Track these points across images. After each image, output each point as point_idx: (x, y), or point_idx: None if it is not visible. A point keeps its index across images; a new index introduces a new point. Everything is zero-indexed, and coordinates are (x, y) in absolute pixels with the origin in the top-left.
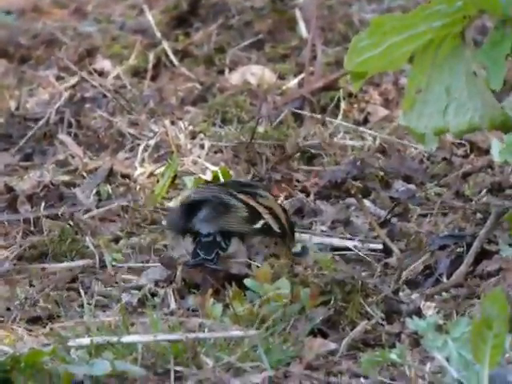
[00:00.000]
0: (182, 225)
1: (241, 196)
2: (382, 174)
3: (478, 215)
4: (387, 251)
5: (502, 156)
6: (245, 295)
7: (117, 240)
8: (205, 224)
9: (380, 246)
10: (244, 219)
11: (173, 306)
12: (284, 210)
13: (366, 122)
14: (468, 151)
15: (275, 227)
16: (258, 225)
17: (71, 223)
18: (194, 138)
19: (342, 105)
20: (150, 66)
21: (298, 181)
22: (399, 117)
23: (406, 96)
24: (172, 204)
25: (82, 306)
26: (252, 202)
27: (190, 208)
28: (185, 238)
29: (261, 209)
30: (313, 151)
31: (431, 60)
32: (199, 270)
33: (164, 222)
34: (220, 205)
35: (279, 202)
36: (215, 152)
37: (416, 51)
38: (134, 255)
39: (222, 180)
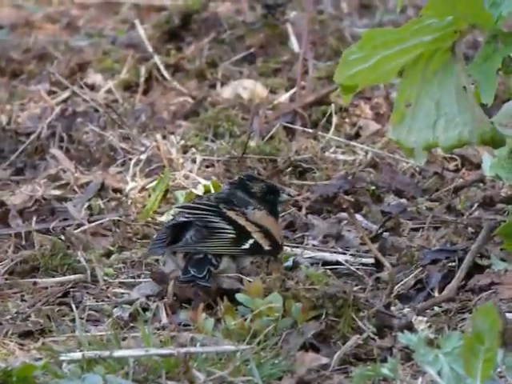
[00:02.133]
0: (166, 247)
1: (230, 214)
2: (373, 188)
3: (470, 229)
4: (379, 265)
5: (493, 170)
6: (236, 310)
7: (108, 254)
8: (192, 248)
9: (371, 261)
10: (231, 240)
11: (164, 320)
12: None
13: (357, 136)
14: (459, 165)
15: (265, 245)
16: (247, 245)
17: (63, 238)
18: (185, 152)
19: (334, 119)
20: (142, 80)
21: (289, 195)
22: (389, 131)
23: (396, 110)
24: (163, 219)
25: (73, 320)
26: (241, 221)
27: (176, 229)
28: (176, 255)
29: (250, 227)
30: (304, 165)
31: (421, 74)
32: (190, 286)
33: (150, 245)
34: (206, 227)
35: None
36: (207, 166)
37: (406, 65)
38: (126, 270)
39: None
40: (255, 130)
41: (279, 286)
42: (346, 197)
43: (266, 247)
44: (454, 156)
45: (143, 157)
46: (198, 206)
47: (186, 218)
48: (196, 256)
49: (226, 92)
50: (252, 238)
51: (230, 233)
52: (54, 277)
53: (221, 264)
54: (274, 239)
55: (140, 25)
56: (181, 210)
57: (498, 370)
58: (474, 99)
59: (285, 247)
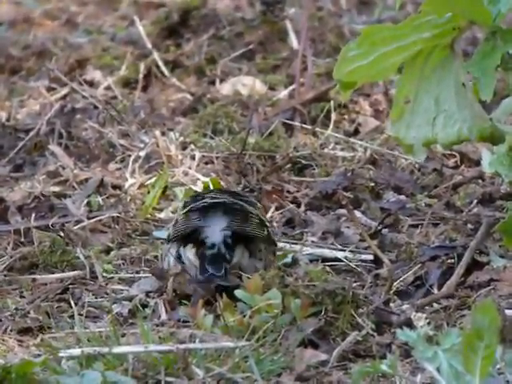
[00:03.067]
0: (193, 225)
1: (244, 204)
2: (372, 184)
3: (469, 226)
4: (378, 262)
5: (493, 167)
6: (236, 306)
7: (107, 251)
8: (217, 230)
9: (371, 257)
10: (256, 225)
11: (164, 316)
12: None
13: (356, 132)
14: (458, 162)
15: (274, 236)
16: (265, 232)
17: (62, 234)
18: (184, 148)
19: (333, 116)
20: (141, 76)
21: (288, 192)
22: (388, 127)
23: (395, 106)
24: (163, 215)
25: (72, 316)
26: (254, 210)
27: (204, 211)
28: (186, 248)
29: (263, 218)
30: (303, 162)
31: (420, 71)
32: (211, 286)
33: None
34: (237, 210)
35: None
36: (206, 163)
37: (405, 62)
38: (125, 266)
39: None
40: (254, 127)
41: (278, 283)
42: (345, 193)
43: (274, 238)
44: (453, 153)
45: (142, 153)
46: (221, 191)
47: (216, 199)
48: (210, 252)
49: (225, 88)
50: (266, 226)
51: (255, 217)
52: (53, 273)
53: (234, 257)
54: (273, 233)
55: (139, 21)
56: (205, 194)
57: (497, 366)
58: (473, 96)
59: (284, 244)
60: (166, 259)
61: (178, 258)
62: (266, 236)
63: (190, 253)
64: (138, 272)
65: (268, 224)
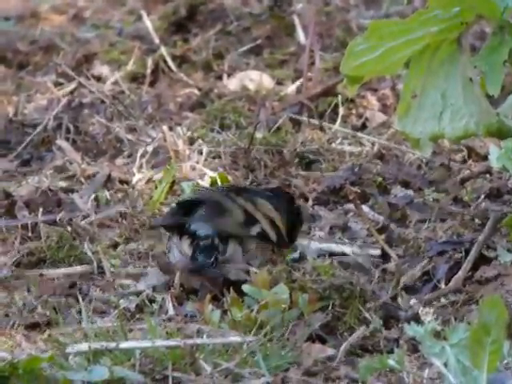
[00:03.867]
0: (176, 222)
1: (239, 200)
2: (380, 179)
3: (477, 221)
4: (385, 257)
5: (500, 162)
6: (243, 301)
7: (115, 246)
8: (201, 224)
9: (378, 252)
10: (240, 223)
11: (171, 311)
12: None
13: (364, 127)
14: (466, 157)
15: (271, 234)
16: (254, 231)
17: (69, 229)
18: (192, 143)
19: (340, 110)
20: (149, 71)
21: (296, 186)
22: (395, 122)
23: (402, 101)
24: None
25: (80, 312)
26: (249, 208)
27: (187, 207)
28: (181, 240)
29: (258, 215)
30: (311, 157)
31: (427, 65)
32: (198, 274)
33: (158, 221)
34: (217, 206)
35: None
36: (213, 158)
37: (412, 56)
38: (133, 261)
39: (221, 184)
40: (262, 122)
41: (286, 278)
42: (352, 188)
43: (273, 237)
44: (460, 147)
45: (150, 148)
46: (210, 189)
47: (197, 197)
48: (203, 242)
49: (233, 83)
50: (259, 224)
51: (238, 215)
52: (60, 268)
53: (227, 249)
54: (279, 232)
55: (146, 16)
56: (195, 190)
57: (505, 361)
58: (480, 90)
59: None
60: (171, 251)
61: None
62: (257, 234)
63: (185, 244)
64: (145, 267)
65: (264, 221)
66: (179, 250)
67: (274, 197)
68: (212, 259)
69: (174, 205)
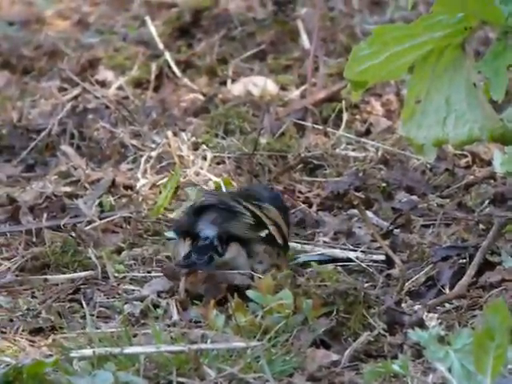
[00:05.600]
0: (186, 226)
1: (247, 204)
2: (384, 185)
3: (481, 226)
4: (389, 262)
5: (504, 167)
6: (247, 306)
7: (119, 251)
8: (206, 226)
9: (382, 257)
10: (250, 226)
11: (175, 317)
12: (287, 223)
13: (368, 132)
14: (470, 162)
15: (278, 239)
16: (263, 233)
17: (73, 234)
18: (196, 149)
19: (345, 116)
20: (153, 77)
21: (300, 192)
22: (399, 127)
23: (406, 106)
24: (176, 213)
25: (84, 317)
26: (257, 212)
27: (198, 211)
28: (185, 242)
29: (265, 219)
30: (315, 162)
31: (431, 70)
32: (188, 271)
33: (172, 227)
34: (226, 210)
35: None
36: (218, 163)
37: (416, 61)
38: (137, 266)
39: (226, 189)
40: (266, 127)
41: (290, 283)
42: (356, 193)
43: (280, 241)
44: (464, 153)
45: (154, 154)
46: (220, 193)
47: (208, 200)
48: (201, 242)
49: (237, 89)
50: (267, 228)
51: (248, 218)
52: (64, 273)
53: (227, 252)
54: (284, 237)
55: (151, 21)
56: (204, 194)
57: (509, 366)
58: (484, 96)
59: (295, 244)
60: (176, 256)
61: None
62: (264, 238)
63: (186, 245)
64: (149, 272)
65: (272, 226)
66: (184, 250)
67: (274, 199)
68: (205, 258)
69: (186, 209)
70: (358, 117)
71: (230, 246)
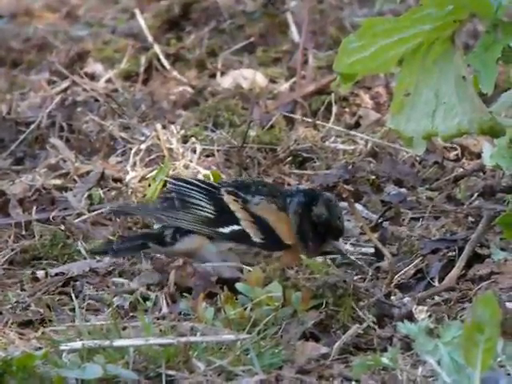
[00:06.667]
0: (149, 214)
1: (224, 197)
2: (373, 177)
3: (470, 219)
4: (379, 255)
5: (494, 160)
6: (237, 299)
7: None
8: (160, 216)
9: (372, 250)
10: (204, 219)
11: (164, 309)
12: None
13: (357, 125)
14: (459, 155)
15: (255, 236)
16: (227, 229)
17: (63, 227)
18: (185, 141)
19: (334, 109)
20: (142, 69)
21: (289, 184)
22: (388, 120)
23: (395, 99)
24: None
25: (73, 309)
26: (234, 206)
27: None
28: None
29: (242, 214)
30: (304, 155)
31: (420, 63)
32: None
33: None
34: (178, 200)
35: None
36: (207, 156)
37: (406, 54)
38: (126, 259)
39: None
40: (255, 120)
41: (279, 276)
42: (346, 186)
43: (256, 239)
44: (454, 145)
45: (143, 146)
46: (192, 181)
47: (170, 190)
48: (154, 231)
49: (226, 81)
50: (239, 224)
51: (207, 212)
52: (54, 266)
53: (179, 242)
54: (274, 234)
55: (140, 14)
56: (172, 182)
57: (498, 359)
58: (474, 89)
59: None
60: None
61: None
62: (229, 234)
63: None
64: (139, 265)
65: (246, 222)
66: None
67: (297, 196)
68: (128, 245)
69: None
70: (347, 109)
71: (188, 237)
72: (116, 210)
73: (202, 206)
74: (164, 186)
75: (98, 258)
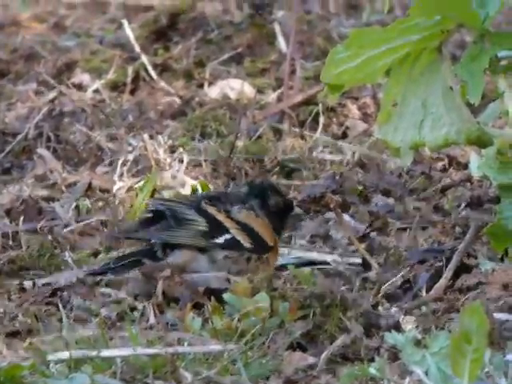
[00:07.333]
0: (130, 233)
1: (208, 208)
2: (361, 188)
3: (457, 229)
4: (366, 265)
5: (481, 170)
6: (224, 309)
7: (96, 254)
8: (154, 236)
9: (359, 260)
10: (199, 233)
11: (152, 320)
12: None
13: (344, 136)
14: (447, 165)
15: (245, 242)
16: (221, 239)
17: (50, 238)
18: (173, 152)
19: (321, 119)
20: (129, 80)
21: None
22: (375, 130)
23: (382, 109)
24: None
25: (60, 320)
26: (220, 217)
27: (148, 220)
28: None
29: (229, 223)
30: (292, 165)
31: (408, 73)
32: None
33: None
34: (172, 218)
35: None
36: (194, 166)
37: (393, 64)
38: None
39: (201, 192)
40: (243, 130)
41: (266, 286)
42: (333, 197)
43: (246, 244)
44: (441, 156)
45: (130, 157)
46: (173, 198)
47: (157, 208)
48: (144, 248)
49: (214, 92)
50: (229, 233)
51: (200, 225)
52: (41, 277)
53: (171, 256)
54: (259, 239)
55: (127, 24)
56: (155, 201)
57: (486, 369)
58: (461, 99)
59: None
60: None
61: None
62: (224, 243)
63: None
64: (126, 275)
65: (235, 230)
66: None
67: (256, 198)
68: (121, 263)
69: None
70: (334, 120)
71: (179, 251)
72: (116, 235)
73: (196, 221)
74: (152, 196)
75: (85, 269)
